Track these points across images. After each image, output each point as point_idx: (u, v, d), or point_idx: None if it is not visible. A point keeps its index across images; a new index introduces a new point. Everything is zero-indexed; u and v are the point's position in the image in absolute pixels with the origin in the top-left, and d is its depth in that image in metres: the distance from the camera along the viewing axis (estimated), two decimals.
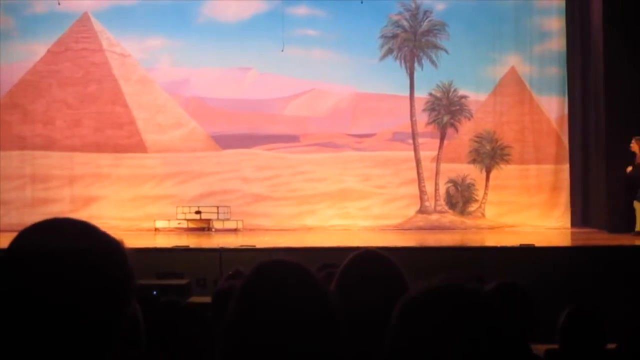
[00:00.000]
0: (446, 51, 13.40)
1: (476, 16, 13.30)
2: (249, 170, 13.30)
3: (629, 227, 10.47)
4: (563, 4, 13.29)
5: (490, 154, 13.31)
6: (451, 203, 13.27)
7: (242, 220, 12.53)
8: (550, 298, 4.19)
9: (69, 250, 1.23)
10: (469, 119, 13.43)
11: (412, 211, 13.21)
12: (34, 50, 13.15)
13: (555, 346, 3.49)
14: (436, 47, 13.46)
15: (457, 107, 13.43)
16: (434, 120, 13.41)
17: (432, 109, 13.41)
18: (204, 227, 12.30)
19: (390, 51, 13.47)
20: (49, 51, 13.18)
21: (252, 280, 1.61)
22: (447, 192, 13.30)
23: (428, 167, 13.34)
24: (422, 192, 13.26)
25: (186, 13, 13.43)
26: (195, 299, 6.94)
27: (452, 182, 13.32)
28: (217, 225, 12.28)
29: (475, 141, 13.35)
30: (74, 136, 13.10)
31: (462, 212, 13.25)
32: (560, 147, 13.15)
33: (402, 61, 13.48)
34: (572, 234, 11.94)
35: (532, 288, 3.24)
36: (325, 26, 13.46)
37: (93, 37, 13.30)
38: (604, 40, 11.57)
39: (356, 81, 13.59)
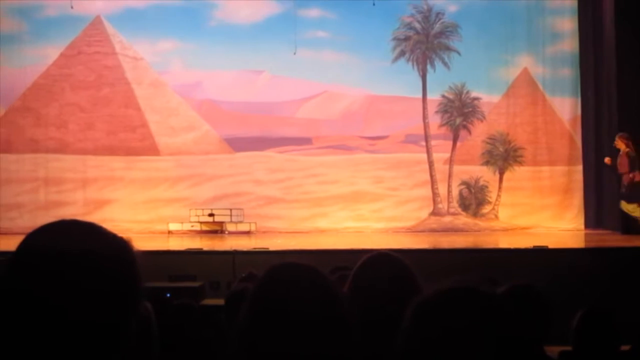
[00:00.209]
0: (458, 53, 13.36)
1: (488, 17, 13.27)
2: (261, 172, 13.32)
3: None
4: (575, 4, 13.23)
5: (503, 155, 13.26)
6: (464, 205, 13.23)
7: (255, 223, 12.54)
8: (563, 300, 4.17)
9: (77, 251, 1.24)
10: (482, 121, 13.39)
11: (425, 213, 13.19)
12: (46, 53, 13.23)
13: (569, 348, 3.47)
14: (448, 48, 13.44)
15: (470, 109, 13.40)
16: (446, 122, 13.39)
17: (445, 111, 13.39)
18: (216, 229, 12.32)
19: (402, 53, 13.46)
20: (61, 55, 13.26)
21: (265, 283, 1.61)
22: (460, 194, 13.27)
23: (441, 169, 13.31)
24: (435, 194, 13.23)
25: (198, 16, 13.47)
26: (208, 302, 6.96)
27: (465, 184, 13.28)
28: (230, 227, 12.31)
29: (488, 143, 13.31)
30: (86, 139, 13.17)
31: (475, 214, 13.21)
32: (573, 149, 13.09)
33: (415, 63, 13.46)
34: (586, 235, 11.87)
35: (546, 290, 3.22)
36: (337, 28, 13.47)
37: (105, 40, 13.37)
38: (617, 40, 11.51)
39: (368, 83, 13.58)
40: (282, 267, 1.63)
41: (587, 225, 12.68)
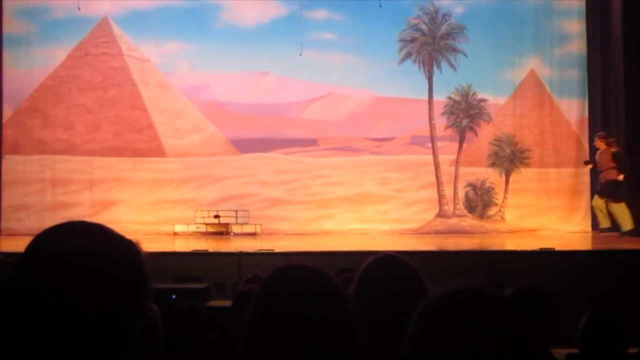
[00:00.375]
0: (465, 54, 13.35)
1: (495, 19, 13.25)
2: (267, 174, 13.33)
3: None
4: (583, 6, 13.20)
5: (509, 157, 13.24)
6: (470, 207, 13.21)
7: (261, 224, 12.55)
8: (570, 302, 4.15)
9: (85, 253, 1.24)
10: (488, 123, 13.37)
11: (431, 215, 13.17)
12: (54, 55, 13.27)
13: (576, 350, 3.46)
14: (455, 50, 13.43)
15: (476, 111, 13.38)
16: (453, 124, 13.37)
17: (451, 113, 13.37)
18: (222, 231, 12.33)
19: (408, 55, 13.45)
20: (68, 56, 13.30)
21: (270, 285, 1.61)
22: (466, 195, 13.25)
23: (447, 170, 13.30)
24: (441, 196, 13.22)
25: (205, 18, 13.50)
26: (214, 303, 6.96)
27: (471, 185, 13.26)
28: (235, 229, 12.32)
29: (495, 144, 13.30)
30: (93, 140, 13.21)
31: (482, 216, 13.19)
32: (580, 151, 13.06)
33: (421, 65, 13.45)
34: (593, 237, 11.83)
35: (553, 292, 3.21)
36: (343, 30, 13.47)
37: (112, 41, 13.40)
38: (624, 42, 11.48)
39: (374, 85, 13.58)
40: (288, 269, 1.63)
41: (594, 227, 12.64)
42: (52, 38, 13.23)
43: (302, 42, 13.08)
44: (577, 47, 13.22)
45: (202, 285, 7.46)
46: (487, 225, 13.09)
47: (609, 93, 12.48)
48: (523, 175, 13.18)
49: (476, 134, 13.38)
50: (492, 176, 13.23)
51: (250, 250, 8.54)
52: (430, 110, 13.35)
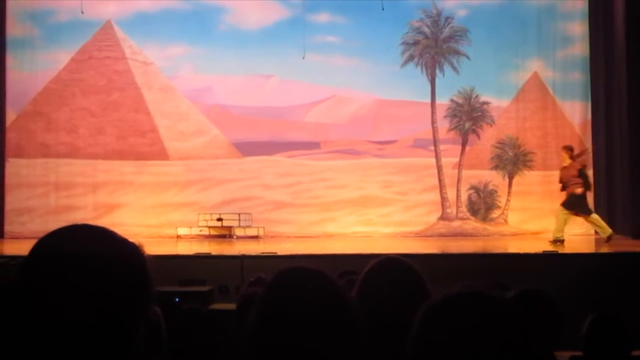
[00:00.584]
0: (468, 57, 13.35)
1: (498, 22, 13.26)
2: (270, 177, 13.34)
3: None
4: (586, 8, 13.20)
5: (512, 160, 13.23)
6: (473, 210, 13.20)
7: (264, 227, 12.55)
8: (574, 305, 4.15)
9: (88, 255, 1.24)
10: (491, 125, 13.37)
11: (433, 218, 13.17)
12: (57, 58, 13.30)
13: (580, 353, 3.46)
14: (458, 53, 13.43)
15: (479, 113, 13.38)
16: (455, 127, 13.37)
17: (454, 116, 13.37)
18: (225, 234, 12.34)
19: (411, 58, 13.46)
20: (72, 59, 13.33)
21: (273, 288, 1.61)
22: (469, 198, 13.24)
23: (450, 173, 13.29)
24: (443, 199, 13.21)
25: (208, 21, 13.52)
26: (217, 306, 6.96)
27: (474, 188, 13.25)
28: (238, 232, 12.32)
29: (498, 147, 13.29)
30: (97, 144, 13.23)
31: (484, 219, 13.18)
32: (583, 153, 13.02)
33: (424, 67, 13.46)
34: (596, 240, 11.80)
35: (556, 295, 3.21)
36: (346, 33, 13.48)
37: (116, 45, 13.43)
38: (627, 44, 11.47)
39: (377, 88, 13.59)
40: (290, 272, 1.63)
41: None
42: (56, 41, 13.26)
43: (305, 45, 13.09)
44: (580, 49, 13.21)
45: (205, 288, 7.46)
46: (490, 228, 13.07)
47: (612, 95, 12.46)
48: (526, 178, 13.16)
49: (479, 136, 13.37)
50: (495, 179, 13.22)
51: (253, 253, 8.53)
52: (433, 113, 13.35)
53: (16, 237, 12.19)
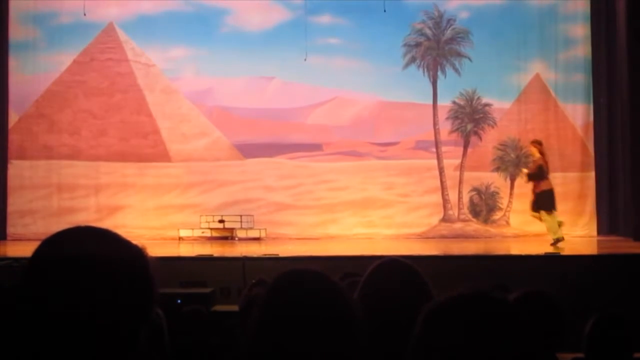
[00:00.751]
0: (470, 59, 13.35)
1: (500, 23, 13.25)
2: (272, 179, 13.34)
3: None
4: (588, 10, 13.19)
5: (514, 161, 13.22)
6: (475, 211, 13.19)
7: (265, 229, 12.56)
8: (576, 306, 4.14)
9: (91, 258, 1.25)
10: (493, 127, 13.36)
11: (435, 220, 13.16)
12: (60, 60, 13.32)
13: (582, 355, 3.45)
14: (459, 55, 13.43)
15: (481, 115, 13.37)
16: (457, 129, 13.37)
17: (456, 117, 13.37)
18: (227, 236, 12.34)
19: (413, 59, 13.46)
20: (74, 61, 13.35)
21: (275, 290, 1.61)
22: (471, 200, 13.23)
23: (451, 175, 13.28)
24: (445, 201, 13.20)
25: (210, 23, 13.53)
26: (219, 308, 6.97)
27: (476, 190, 13.24)
28: (240, 234, 12.33)
29: (499, 149, 13.28)
30: (99, 146, 13.24)
31: (486, 221, 13.16)
32: (585, 155, 13.03)
33: (425, 69, 13.45)
34: (599, 242, 11.81)
35: (558, 296, 3.20)
36: (348, 35, 13.49)
37: (118, 47, 13.44)
38: (629, 46, 11.46)
39: (379, 89, 13.59)
40: (292, 274, 1.64)
41: (600, 231, 12.61)
42: (58, 44, 13.28)
43: (307, 47, 13.10)
44: (582, 51, 13.20)
45: (207, 290, 7.47)
46: (492, 229, 13.06)
47: (614, 97, 12.45)
48: None
49: (481, 138, 13.37)
50: (496, 181, 13.21)
51: (255, 255, 8.54)
52: (435, 114, 13.34)
53: (19, 239, 12.20)
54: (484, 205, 13.20)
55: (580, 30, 13.26)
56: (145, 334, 1.27)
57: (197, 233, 12.40)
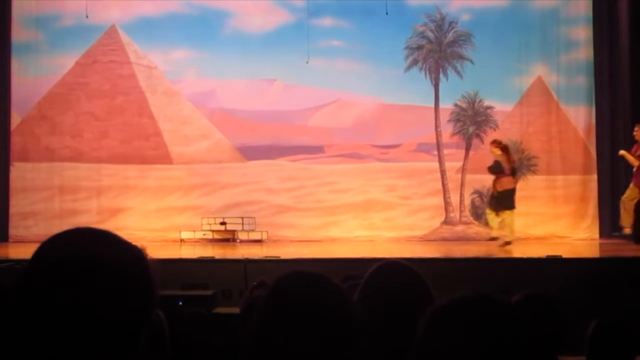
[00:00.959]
0: (471, 62, 13.36)
1: (502, 26, 13.25)
2: (273, 181, 13.34)
3: None
4: (590, 13, 13.19)
5: (516, 164, 13.20)
6: (476, 214, 13.19)
7: (267, 231, 12.56)
8: (578, 309, 4.14)
9: (91, 259, 1.25)
10: (495, 130, 13.35)
11: (437, 222, 13.15)
12: (62, 63, 13.34)
13: (583, 358, 3.45)
14: (461, 57, 13.43)
15: (483, 118, 13.37)
16: (459, 131, 13.37)
17: (458, 120, 13.37)
18: (229, 238, 12.35)
19: (415, 62, 13.46)
20: (77, 64, 13.37)
21: (276, 292, 1.61)
22: (472, 203, 13.22)
23: (453, 178, 13.28)
24: (447, 203, 13.20)
25: (212, 25, 13.54)
26: (221, 310, 6.97)
27: (478, 193, 13.23)
28: (242, 236, 12.33)
29: None
30: (101, 148, 13.25)
31: (488, 223, 13.14)
32: (587, 158, 13.02)
33: (427, 72, 13.46)
34: (601, 245, 11.79)
35: (560, 299, 3.20)
36: (350, 37, 13.50)
37: (120, 49, 13.46)
38: (632, 48, 11.46)
39: (381, 92, 13.59)
40: (293, 276, 1.64)
41: (602, 234, 12.60)
42: (61, 46, 13.30)
43: (309, 49, 13.11)
44: (584, 53, 13.20)
45: (208, 292, 7.46)
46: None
47: (616, 100, 12.45)
48: (530, 183, 13.13)
49: (482, 141, 13.35)
50: None
51: (257, 257, 8.54)
52: (437, 117, 13.34)
53: (21, 241, 12.21)
54: (485, 208, 13.18)
55: (583, 33, 13.26)
56: (146, 336, 1.27)
57: (199, 235, 12.41)
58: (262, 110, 13.68)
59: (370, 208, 13.18)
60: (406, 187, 13.32)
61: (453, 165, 13.32)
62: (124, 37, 13.51)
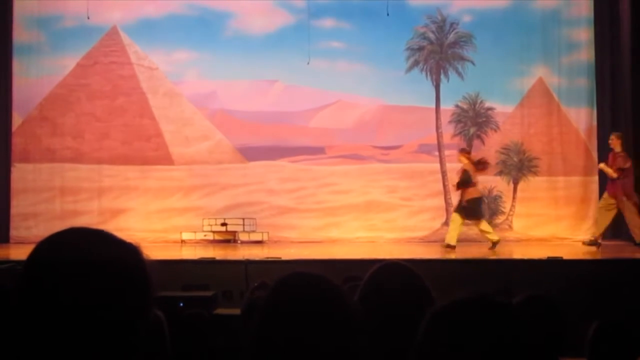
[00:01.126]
0: (472, 63, 13.35)
1: (503, 27, 13.25)
2: (274, 182, 13.35)
3: None
4: (591, 15, 13.18)
5: (517, 165, 13.21)
6: None
7: (268, 232, 12.56)
8: (579, 311, 4.14)
9: (86, 259, 1.24)
10: (496, 131, 13.35)
11: (438, 223, 13.14)
12: (63, 64, 13.35)
13: None
14: (462, 58, 13.43)
15: (484, 119, 13.37)
16: (460, 132, 13.36)
17: (459, 121, 13.37)
18: (229, 239, 12.35)
19: (416, 63, 13.46)
20: (78, 65, 13.38)
21: (276, 293, 1.61)
22: None
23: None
24: (448, 204, 13.19)
25: (213, 26, 13.55)
26: (221, 311, 6.96)
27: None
28: (242, 237, 12.33)
29: (502, 153, 13.27)
30: (102, 149, 13.26)
31: (489, 224, 13.13)
32: (589, 159, 13.01)
33: (428, 73, 13.46)
34: (602, 246, 11.77)
35: (561, 301, 3.20)
36: (351, 38, 13.50)
37: (121, 50, 13.47)
38: (633, 50, 11.46)
39: (382, 93, 13.59)
40: (294, 277, 1.63)
41: (603, 236, 12.56)
42: (62, 47, 13.31)
43: (310, 50, 13.11)
44: (586, 55, 13.20)
45: (209, 293, 7.46)
46: None
47: (617, 101, 12.44)
48: (531, 184, 13.14)
49: (483, 142, 13.36)
50: (499, 184, 13.20)
51: (257, 258, 8.54)
52: (438, 118, 13.34)
53: (21, 242, 12.22)
54: (486, 209, 13.18)
55: (584, 34, 13.26)
56: (144, 335, 1.27)
57: (200, 236, 12.41)
58: (263, 111, 13.69)
59: (371, 209, 13.17)
60: (407, 188, 13.32)
61: (454, 166, 13.29)
62: (125, 38, 13.52)
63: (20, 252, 9.82)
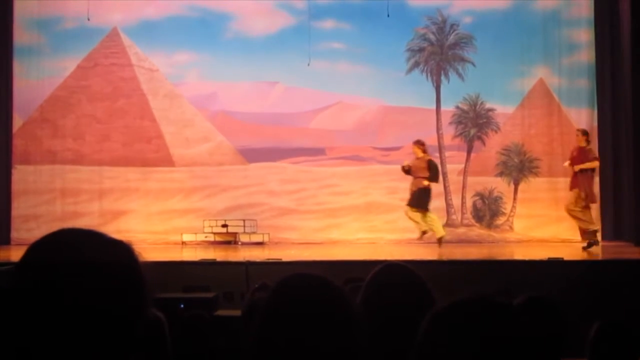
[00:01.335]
0: (473, 64, 13.36)
1: (504, 29, 13.26)
2: (275, 183, 13.35)
3: None
4: (592, 15, 13.19)
5: (518, 166, 13.21)
6: (478, 216, 13.18)
7: (269, 234, 12.56)
8: (580, 312, 4.13)
9: (78, 260, 1.24)
10: (496, 132, 13.36)
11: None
12: (64, 65, 13.36)
13: None
14: (463, 60, 13.44)
15: (484, 120, 13.37)
16: (460, 133, 13.37)
17: (459, 122, 13.37)
18: (230, 240, 12.35)
19: (416, 64, 13.47)
20: (78, 66, 13.39)
21: (277, 294, 1.61)
22: (474, 205, 13.22)
23: (455, 180, 13.28)
24: (448, 206, 13.19)
25: (214, 28, 13.56)
26: (222, 312, 6.96)
27: (479, 195, 13.23)
28: (243, 238, 12.33)
29: (503, 154, 13.27)
30: (102, 150, 13.27)
31: (489, 226, 13.15)
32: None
33: (429, 74, 13.46)
34: (603, 247, 11.76)
35: (561, 302, 3.20)
36: (351, 40, 13.51)
37: (122, 52, 13.48)
38: (633, 51, 11.45)
39: (382, 94, 13.60)
40: (295, 278, 1.63)
41: (604, 237, 12.56)
42: (62, 49, 13.32)
43: (310, 51, 13.12)
44: (586, 56, 13.20)
45: (209, 295, 7.46)
46: (495, 234, 13.04)
47: (618, 102, 12.44)
48: (532, 185, 13.13)
49: (484, 143, 13.36)
50: (500, 185, 13.20)
51: (258, 260, 8.54)
52: (438, 119, 13.35)
53: (22, 244, 12.21)
54: (487, 210, 13.19)
55: (584, 35, 13.26)
56: (141, 334, 1.26)
57: (200, 237, 12.42)
58: (263, 113, 13.69)
59: (372, 210, 13.17)
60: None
61: (454, 167, 13.32)
62: (126, 39, 13.53)
63: (20, 254, 9.82)
